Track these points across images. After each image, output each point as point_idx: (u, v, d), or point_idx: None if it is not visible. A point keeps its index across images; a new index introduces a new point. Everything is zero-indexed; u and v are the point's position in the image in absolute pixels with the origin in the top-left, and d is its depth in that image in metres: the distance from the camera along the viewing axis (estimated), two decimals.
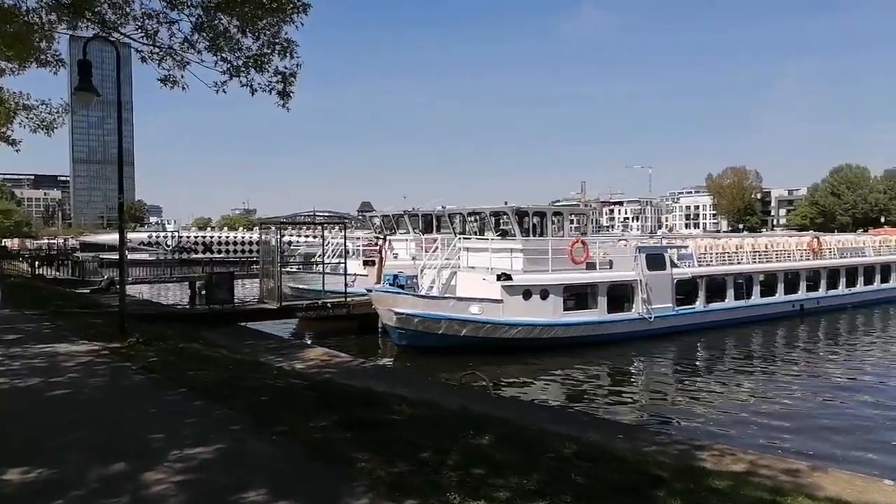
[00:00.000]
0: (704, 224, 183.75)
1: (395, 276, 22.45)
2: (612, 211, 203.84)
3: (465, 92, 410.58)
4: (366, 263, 27.80)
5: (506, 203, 22.34)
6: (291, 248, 40.68)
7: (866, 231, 61.08)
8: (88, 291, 29.82)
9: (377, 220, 34.22)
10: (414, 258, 25.74)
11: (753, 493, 5.83)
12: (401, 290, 21.45)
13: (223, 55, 9.24)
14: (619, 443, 8.72)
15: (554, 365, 19.21)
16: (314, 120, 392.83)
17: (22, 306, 18.70)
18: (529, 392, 16.26)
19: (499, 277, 20.63)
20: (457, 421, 8.13)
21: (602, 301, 22.11)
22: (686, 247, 26.65)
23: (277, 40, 9.40)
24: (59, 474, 5.63)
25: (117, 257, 45.57)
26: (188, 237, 78.21)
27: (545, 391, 16.57)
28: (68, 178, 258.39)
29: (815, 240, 31.81)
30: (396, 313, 20.41)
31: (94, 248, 70.09)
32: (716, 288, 25.76)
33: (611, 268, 23.12)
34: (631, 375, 19.07)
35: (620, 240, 32.06)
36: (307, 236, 54.15)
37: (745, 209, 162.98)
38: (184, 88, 10.05)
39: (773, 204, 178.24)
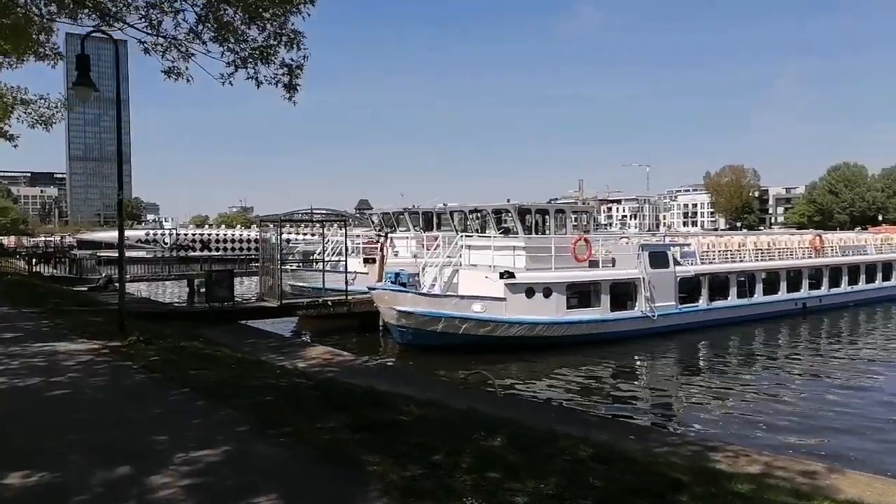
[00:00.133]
0: (702, 222, 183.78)
1: (397, 274, 22.27)
2: (609, 209, 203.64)
3: (464, 92, 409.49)
4: (366, 261, 27.65)
5: (508, 200, 22.20)
6: (290, 245, 40.45)
7: (865, 229, 61.01)
8: (86, 289, 29.60)
9: (375, 218, 34.03)
10: (416, 256, 25.58)
11: (777, 498, 5.67)
12: (403, 288, 21.28)
13: (229, 45, 9.00)
14: (631, 443, 8.58)
15: (557, 363, 19.06)
16: (314, 119, 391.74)
17: (19, 304, 18.48)
18: (533, 391, 16.12)
19: (502, 275, 20.46)
20: (466, 422, 7.98)
21: (605, 299, 21.96)
22: (689, 245, 26.53)
23: (284, 31, 9.19)
24: (62, 478, 5.46)
25: (115, 255, 45.31)
26: (186, 235, 77.90)
27: (549, 390, 16.41)
28: (65, 176, 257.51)
29: (818, 238, 31.68)
30: (398, 311, 20.25)
31: (92, 245, 69.82)
32: (718, 286, 25.63)
33: (613, 266, 22.98)
34: (636, 374, 18.94)
35: (622, 237, 31.92)
36: (305, 234, 53.94)
37: (743, 207, 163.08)
38: (188, 80, 9.86)
39: (770, 202, 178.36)
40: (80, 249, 64.30)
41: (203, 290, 25.35)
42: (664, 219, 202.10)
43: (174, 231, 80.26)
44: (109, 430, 6.90)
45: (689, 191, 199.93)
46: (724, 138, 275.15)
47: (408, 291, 21.13)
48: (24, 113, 19.62)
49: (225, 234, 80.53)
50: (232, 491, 5.21)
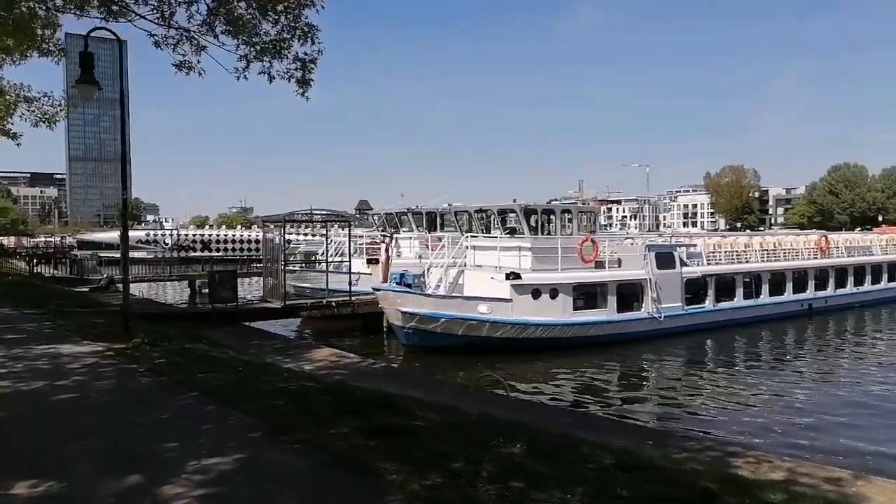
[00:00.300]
0: (702, 223, 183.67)
1: (402, 275, 22.06)
2: (609, 210, 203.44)
3: (464, 92, 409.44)
4: (369, 262, 27.44)
5: (514, 201, 21.99)
6: (291, 246, 40.26)
7: (869, 230, 60.88)
8: (88, 290, 29.43)
9: (376, 218, 33.84)
10: (420, 257, 25.39)
11: None
12: (408, 289, 21.08)
13: (243, 38, 8.77)
14: (649, 449, 8.39)
15: (564, 365, 18.88)
16: (314, 119, 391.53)
17: (21, 305, 18.28)
18: (542, 393, 15.92)
19: (508, 276, 20.28)
20: (481, 427, 7.80)
21: (612, 300, 21.77)
22: (695, 245, 26.36)
23: (298, 25, 8.98)
24: (70, 488, 5.26)
25: (115, 255, 45.09)
26: (187, 235, 77.75)
27: (558, 393, 16.21)
28: (64, 176, 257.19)
29: (823, 238, 31.50)
30: (404, 312, 20.06)
31: (92, 246, 69.69)
32: (724, 287, 25.45)
33: (619, 266, 22.80)
34: (644, 376, 18.74)
35: (627, 238, 31.74)
36: (306, 234, 53.75)
37: (743, 208, 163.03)
38: (200, 74, 9.66)
39: (770, 203, 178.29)
40: (81, 250, 64.09)
41: (205, 290, 25.20)
42: (664, 219, 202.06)
43: (175, 232, 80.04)
44: (117, 435, 6.71)
45: (688, 191, 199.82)
46: (724, 138, 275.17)
47: (413, 292, 20.94)
48: (28, 111, 19.35)
49: (225, 235, 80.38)
50: (247, 502, 5.03)
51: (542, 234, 22.29)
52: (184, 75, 9.35)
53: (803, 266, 28.64)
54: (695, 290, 24.27)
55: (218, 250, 70.55)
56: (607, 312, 21.69)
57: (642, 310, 22.45)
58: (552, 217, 22.93)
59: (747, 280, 26.15)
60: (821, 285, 29.21)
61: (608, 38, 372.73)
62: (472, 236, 23.09)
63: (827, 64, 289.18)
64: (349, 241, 26.38)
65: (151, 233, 78.50)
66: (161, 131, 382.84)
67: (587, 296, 21.71)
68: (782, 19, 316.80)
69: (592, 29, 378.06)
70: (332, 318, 22.91)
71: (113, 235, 71.92)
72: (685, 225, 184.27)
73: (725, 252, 26.58)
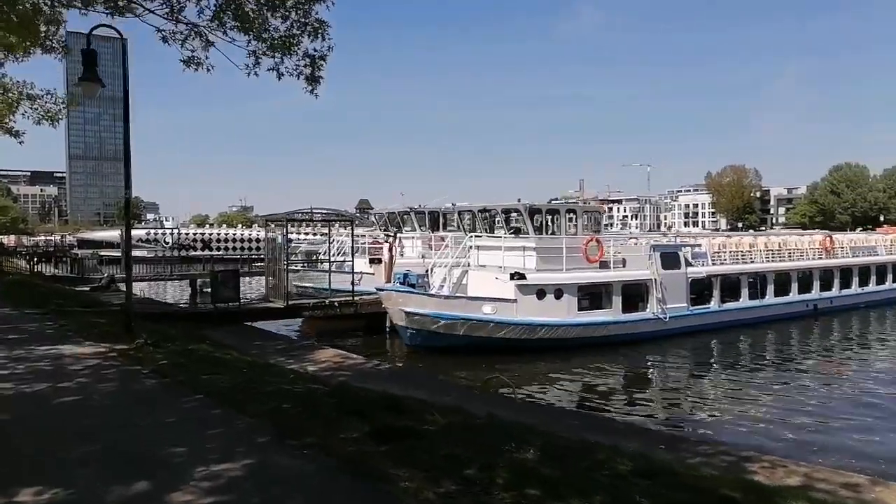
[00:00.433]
0: (703, 223, 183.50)
1: (406, 275, 21.94)
2: (610, 209, 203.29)
3: (464, 92, 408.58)
4: (372, 261, 27.29)
5: (518, 200, 21.85)
6: (292, 245, 40.11)
7: (873, 230, 60.64)
8: (88, 289, 29.33)
9: (376, 218, 33.67)
10: (423, 257, 25.26)
11: None
12: (412, 290, 20.95)
13: (253, 34, 8.61)
14: (662, 453, 8.26)
15: (569, 366, 18.75)
16: (313, 119, 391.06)
17: (22, 305, 18.14)
18: (548, 394, 15.78)
19: (512, 276, 20.13)
20: (492, 430, 7.67)
21: (616, 301, 21.63)
22: (700, 245, 26.22)
23: (308, 21, 8.81)
24: (76, 495, 5.12)
25: (116, 254, 44.92)
26: (187, 234, 77.61)
27: (565, 394, 16.08)
28: (64, 175, 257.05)
29: (828, 238, 31.36)
30: (408, 313, 19.93)
31: (92, 244, 69.50)
32: (729, 287, 25.31)
33: (624, 266, 22.65)
34: (651, 377, 18.61)
35: (631, 238, 31.60)
36: (307, 234, 53.60)
37: (744, 207, 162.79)
38: (208, 70, 9.50)
39: (772, 202, 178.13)
40: (81, 249, 63.97)
41: (206, 290, 25.06)
42: (665, 219, 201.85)
43: (176, 230, 79.88)
44: (123, 439, 6.58)
45: (689, 191, 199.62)
46: (725, 138, 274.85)
47: (417, 293, 20.81)
48: (31, 108, 19.17)
49: (226, 234, 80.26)
50: None
51: (547, 233, 22.14)
52: (192, 71, 9.23)
53: (808, 266, 28.49)
54: (700, 290, 24.14)
55: (218, 249, 70.40)
56: (612, 313, 21.55)
57: (647, 310, 22.31)
58: (557, 217, 22.78)
59: (752, 280, 26.02)
60: (826, 286, 29.07)
61: (608, 38, 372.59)
62: (476, 236, 22.94)
63: (827, 64, 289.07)
64: (352, 241, 26.22)
65: (152, 231, 78.31)
66: (161, 131, 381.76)
67: (592, 296, 21.57)
68: (782, 19, 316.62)
69: (592, 29, 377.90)
70: (334, 319, 22.77)
71: (113, 234, 71.79)
72: (686, 225, 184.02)
73: (730, 252, 26.43)
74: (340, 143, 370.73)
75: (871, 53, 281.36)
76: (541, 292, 20.49)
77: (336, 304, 22.95)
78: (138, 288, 34.26)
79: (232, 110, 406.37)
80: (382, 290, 21.30)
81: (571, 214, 23.10)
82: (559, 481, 5.59)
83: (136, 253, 54.73)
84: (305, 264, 30.47)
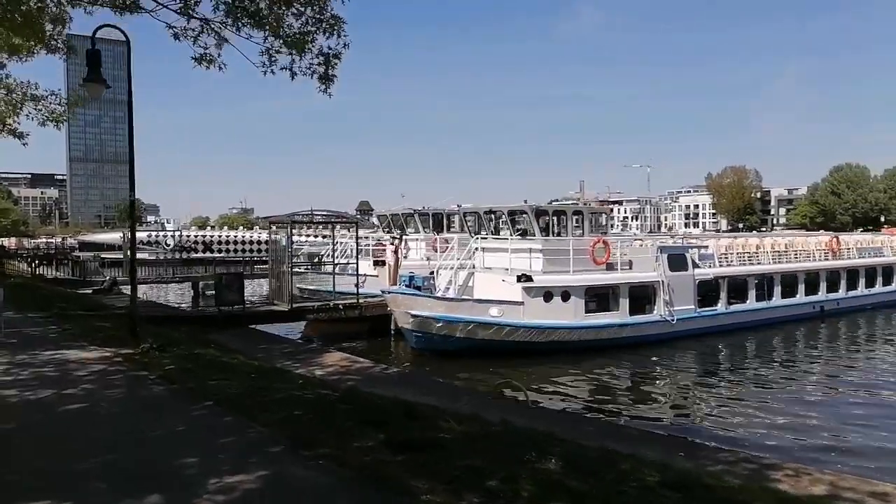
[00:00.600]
0: (704, 223, 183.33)
1: (411, 277, 21.73)
2: (611, 210, 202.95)
3: (464, 92, 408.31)
4: (376, 263, 27.08)
5: (525, 201, 21.65)
6: (294, 248, 39.87)
7: (877, 230, 60.49)
8: (91, 292, 29.18)
9: (377, 219, 33.44)
10: (428, 259, 25.04)
11: None
12: (418, 292, 20.74)
13: (269, 30, 8.39)
14: (682, 461, 8.06)
15: (578, 369, 18.55)
16: (314, 119, 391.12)
17: (25, 308, 17.95)
18: (557, 399, 15.56)
19: (519, 279, 19.94)
20: (510, 438, 7.46)
21: (624, 303, 21.42)
22: (706, 247, 26.02)
23: (323, 17, 8.60)
24: None
25: (118, 257, 44.66)
26: (189, 236, 77.38)
27: (574, 398, 15.87)
28: (65, 177, 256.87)
29: (834, 239, 31.15)
30: (414, 315, 19.73)
31: (93, 247, 69.26)
32: (736, 289, 25.09)
33: (631, 268, 22.45)
34: (661, 381, 18.37)
35: (636, 239, 31.39)
36: (308, 236, 53.35)
37: (745, 208, 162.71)
38: (220, 68, 9.30)
39: (772, 203, 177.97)
40: (82, 251, 63.74)
41: (208, 292, 24.86)
42: (665, 220, 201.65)
43: (179, 232, 79.66)
44: (132, 449, 6.39)
45: (690, 192, 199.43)
46: (725, 138, 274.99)
47: (423, 295, 20.60)
48: (35, 109, 18.92)
49: (227, 236, 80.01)
50: None
51: (553, 235, 21.93)
52: (204, 69, 9.02)
53: (815, 268, 28.28)
54: (707, 292, 23.92)
55: (220, 251, 70.18)
56: (620, 315, 21.34)
57: (654, 312, 22.10)
58: (563, 218, 22.57)
59: (759, 282, 25.80)
60: (832, 287, 28.85)
61: (608, 38, 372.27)
62: (481, 238, 22.73)
63: (827, 64, 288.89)
64: (356, 243, 26.00)
65: (153, 234, 78.05)
66: (161, 131, 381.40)
67: (599, 298, 21.35)
68: (782, 19, 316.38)
69: (592, 29, 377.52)
70: (338, 321, 22.54)
71: (114, 236, 71.57)
72: (686, 226, 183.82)
73: (737, 253, 26.23)
74: (340, 143, 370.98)
75: (871, 53, 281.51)
76: (548, 294, 20.28)
77: (340, 306, 22.72)
78: (140, 291, 34.10)
79: (232, 110, 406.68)
80: (388, 292, 21.11)
81: (578, 216, 22.87)
82: (586, 494, 5.40)
83: (137, 255, 54.61)
84: (309, 266, 30.21)
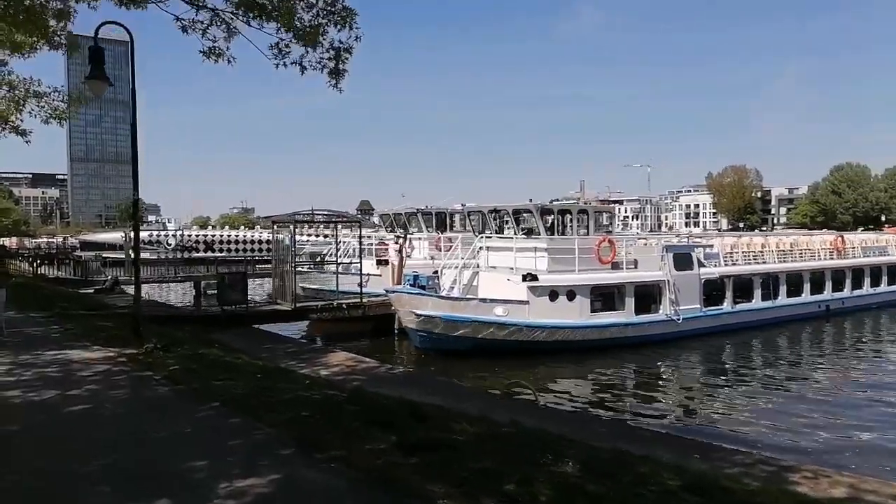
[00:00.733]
0: (704, 223, 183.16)
1: (416, 277, 21.58)
2: (614, 209, 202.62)
3: (464, 92, 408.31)
4: (379, 263, 26.96)
5: (530, 200, 21.50)
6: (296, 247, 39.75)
7: (878, 229, 60.32)
8: (92, 291, 29.04)
9: (379, 219, 33.30)
10: (433, 258, 24.90)
11: None
12: (422, 292, 20.59)
13: (282, 22, 8.23)
14: (697, 462, 7.93)
15: (584, 369, 18.42)
16: (316, 118, 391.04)
17: (27, 308, 17.82)
18: (565, 398, 15.40)
19: (524, 278, 19.79)
20: (523, 439, 7.33)
21: (629, 302, 21.27)
22: (712, 246, 25.87)
23: (335, 9, 8.42)
24: None
25: (119, 256, 44.53)
26: (190, 236, 77.33)
27: (582, 397, 15.72)
28: (66, 177, 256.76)
29: (840, 238, 31.00)
30: (418, 315, 19.58)
31: (95, 246, 69.16)
32: (742, 288, 24.95)
33: (636, 267, 22.30)
34: (667, 381, 18.23)
35: (641, 238, 31.24)
36: (310, 235, 53.28)
37: (746, 208, 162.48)
38: (229, 62, 9.14)
39: (773, 203, 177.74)
40: (83, 251, 63.60)
41: (210, 292, 24.69)
42: (666, 219, 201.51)
43: (181, 232, 79.58)
44: (138, 452, 6.25)
45: (690, 191, 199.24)
46: (725, 138, 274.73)
47: (428, 295, 20.45)
48: (37, 106, 18.71)
49: (228, 236, 79.95)
50: None
51: (558, 234, 21.78)
52: (212, 63, 8.87)
53: (820, 267, 28.13)
54: (712, 291, 23.77)
55: (221, 251, 70.13)
56: (625, 314, 21.19)
57: (660, 312, 21.95)
58: (568, 217, 22.42)
59: (765, 281, 25.65)
60: (838, 286, 28.70)
61: (608, 38, 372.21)
62: (486, 237, 22.59)
63: (827, 64, 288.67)
64: (360, 243, 25.86)
65: (154, 233, 77.95)
66: (163, 129, 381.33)
67: (605, 297, 21.21)
68: (782, 19, 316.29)
69: (592, 29, 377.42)
70: (342, 321, 22.41)
71: (115, 236, 71.49)
72: (687, 225, 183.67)
73: (742, 253, 26.08)
74: (342, 141, 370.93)
75: (871, 53, 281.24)
76: (553, 294, 20.13)
77: (344, 306, 22.60)
78: (142, 290, 34.04)
79: (234, 108, 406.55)
80: (392, 292, 20.97)
81: (583, 215, 22.72)
82: (605, 498, 5.27)
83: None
84: (312, 266, 30.08)
